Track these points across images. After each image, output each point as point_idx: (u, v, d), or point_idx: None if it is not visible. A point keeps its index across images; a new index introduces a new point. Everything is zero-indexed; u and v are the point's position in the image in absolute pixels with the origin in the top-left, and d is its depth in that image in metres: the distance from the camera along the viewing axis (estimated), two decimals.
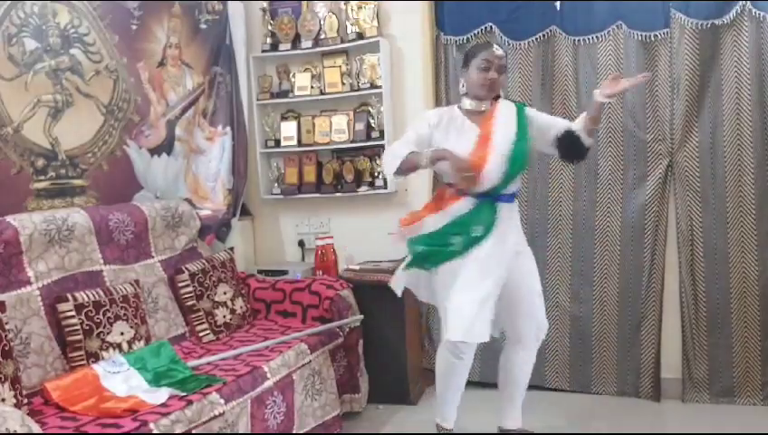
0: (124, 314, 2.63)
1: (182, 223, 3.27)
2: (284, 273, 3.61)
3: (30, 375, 2.31)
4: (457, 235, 2.58)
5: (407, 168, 2.57)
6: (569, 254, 3.42)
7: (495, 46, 2.63)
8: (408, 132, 2.70)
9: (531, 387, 3.39)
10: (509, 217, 2.64)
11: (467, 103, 2.66)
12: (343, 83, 3.73)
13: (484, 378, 3.50)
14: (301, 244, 3.96)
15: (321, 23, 3.76)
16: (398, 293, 2.83)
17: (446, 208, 2.64)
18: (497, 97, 2.68)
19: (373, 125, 3.70)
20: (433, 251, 2.63)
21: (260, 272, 3.64)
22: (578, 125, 2.59)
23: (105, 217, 2.87)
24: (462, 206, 2.61)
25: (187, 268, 3.10)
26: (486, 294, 2.55)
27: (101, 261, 2.81)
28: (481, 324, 2.53)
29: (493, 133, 2.59)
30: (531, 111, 2.69)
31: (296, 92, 3.84)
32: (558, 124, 2.67)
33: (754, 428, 2.89)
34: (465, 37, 3.53)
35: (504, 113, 2.64)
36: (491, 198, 2.59)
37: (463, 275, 2.56)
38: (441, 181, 2.77)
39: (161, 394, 2.27)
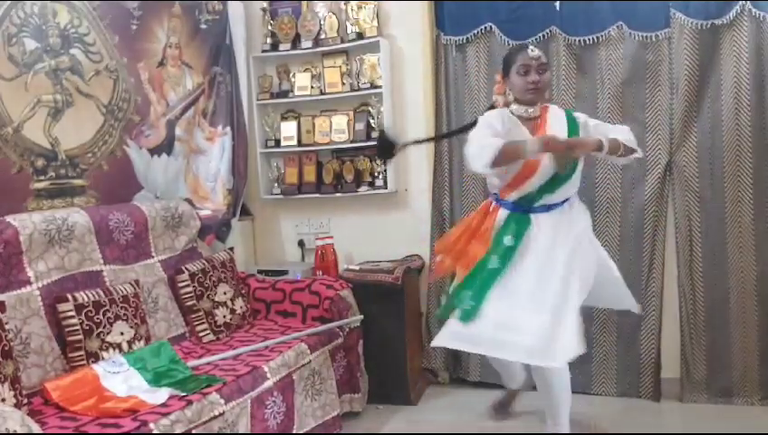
0: (124, 314, 2.63)
1: (182, 223, 3.27)
2: (284, 273, 3.61)
3: (30, 375, 2.31)
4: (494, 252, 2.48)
5: (506, 159, 2.36)
6: None
7: (531, 47, 2.52)
8: (482, 130, 2.47)
9: (531, 387, 3.41)
10: (550, 228, 2.49)
11: (516, 109, 2.56)
12: (343, 83, 3.73)
13: (485, 378, 3.51)
14: (301, 244, 3.96)
15: (321, 23, 3.76)
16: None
17: (487, 228, 2.55)
18: (546, 102, 2.60)
19: (373, 125, 3.70)
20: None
21: (260, 272, 3.64)
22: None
23: (105, 217, 2.87)
24: (498, 220, 2.54)
25: (187, 268, 3.10)
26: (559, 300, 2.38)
27: (101, 261, 2.81)
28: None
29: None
30: (582, 117, 2.58)
31: (296, 92, 3.84)
32: (609, 131, 2.54)
33: (753, 428, 2.89)
34: (465, 37, 3.53)
35: (555, 121, 2.54)
36: (522, 209, 2.51)
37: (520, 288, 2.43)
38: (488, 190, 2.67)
39: (161, 394, 2.28)
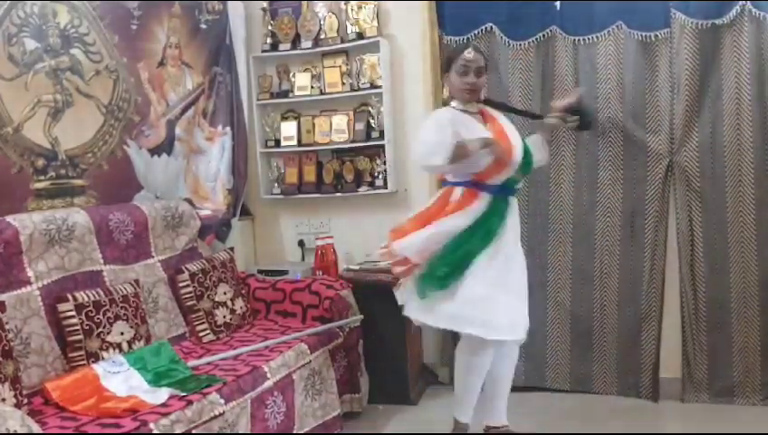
0: (124, 314, 2.63)
1: (182, 223, 3.27)
2: (284, 273, 3.61)
3: (30, 375, 2.31)
4: (475, 234, 2.54)
5: (459, 154, 2.45)
6: (569, 253, 3.42)
7: (469, 49, 2.63)
8: (431, 128, 2.56)
9: (530, 387, 3.41)
10: (516, 213, 2.68)
11: (459, 105, 2.68)
12: (343, 83, 3.73)
13: None
14: (301, 244, 3.96)
15: (321, 23, 3.76)
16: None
17: (466, 208, 2.57)
18: (481, 100, 2.72)
19: (373, 125, 3.70)
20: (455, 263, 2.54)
21: (260, 272, 3.64)
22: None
23: (105, 217, 2.87)
24: (481, 204, 2.58)
25: (187, 268, 3.10)
26: (521, 286, 2.64)
27: (101, 261, 2.81)
28: (524, 319, 2.61)
29: (505, 130, 2.65)
30: None
31: (296, 92, 3.84)
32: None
33: (754, 428, 2.89)
34: (465, 37, 3.52)
35: (498, 115, 2.72)
36: (505, 193, 2.62)
37: (491, 272, 2.53)
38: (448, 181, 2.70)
39: (161, 394, 2.27)
